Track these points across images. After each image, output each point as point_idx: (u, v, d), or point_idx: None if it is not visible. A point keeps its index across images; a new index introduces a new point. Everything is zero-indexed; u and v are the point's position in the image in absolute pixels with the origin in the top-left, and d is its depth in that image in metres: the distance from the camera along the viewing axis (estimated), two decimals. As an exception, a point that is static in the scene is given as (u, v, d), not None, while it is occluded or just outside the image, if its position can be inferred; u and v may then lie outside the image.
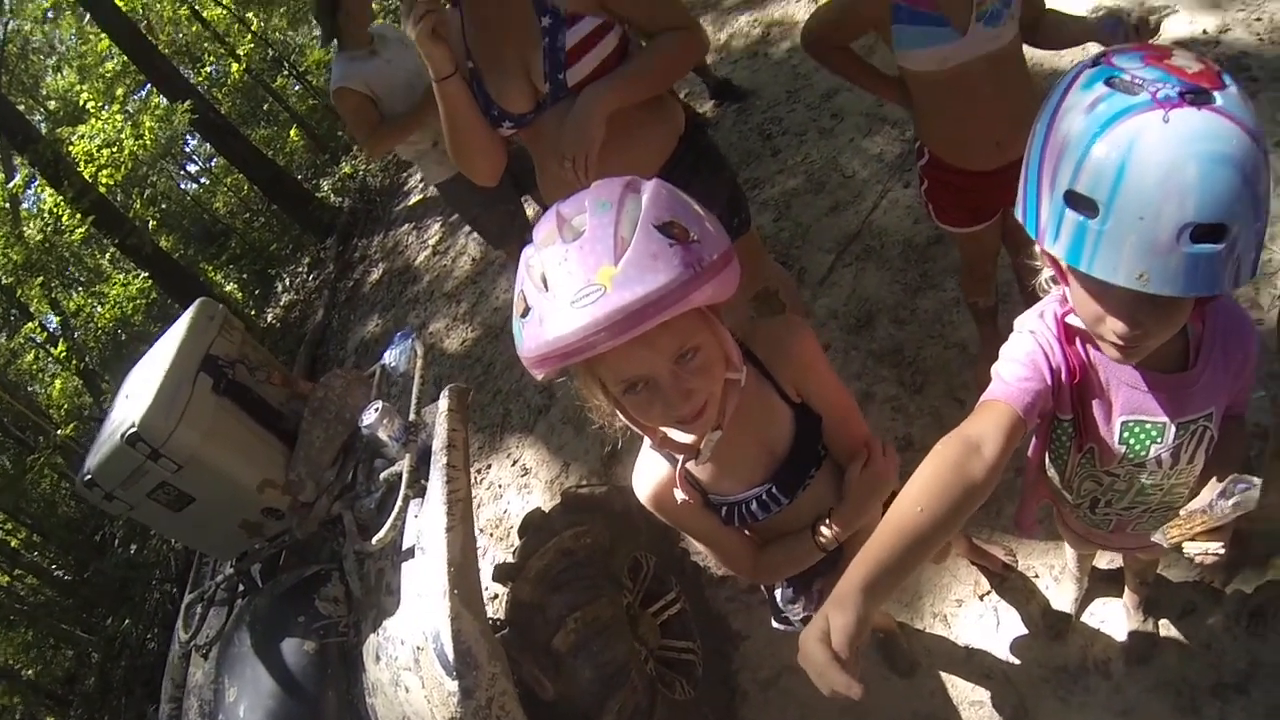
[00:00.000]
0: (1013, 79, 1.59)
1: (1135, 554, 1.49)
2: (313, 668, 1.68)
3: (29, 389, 9.90)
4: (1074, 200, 0.72)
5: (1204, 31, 3.30)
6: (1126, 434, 0.99)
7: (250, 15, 10.31)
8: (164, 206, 10.54)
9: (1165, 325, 0.81)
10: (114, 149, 7.13)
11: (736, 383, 0.93)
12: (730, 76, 4.44)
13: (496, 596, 2.32)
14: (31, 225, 8.18)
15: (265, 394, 1.99)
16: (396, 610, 1.59)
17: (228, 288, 9.99)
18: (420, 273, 5.72)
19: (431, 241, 5.95)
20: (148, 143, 7.25)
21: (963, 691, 1.88)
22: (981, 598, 1.99)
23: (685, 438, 0.97)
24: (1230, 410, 1.01)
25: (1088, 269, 0.73)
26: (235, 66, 10.06)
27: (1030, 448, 1.18)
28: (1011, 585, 1.96)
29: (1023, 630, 1.89)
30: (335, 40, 2.82)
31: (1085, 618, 1.84)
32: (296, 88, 10.84)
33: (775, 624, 1.41)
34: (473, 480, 2.98)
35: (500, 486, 3.43)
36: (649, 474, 1.09)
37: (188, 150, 11.64)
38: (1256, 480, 0.83)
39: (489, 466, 3.57)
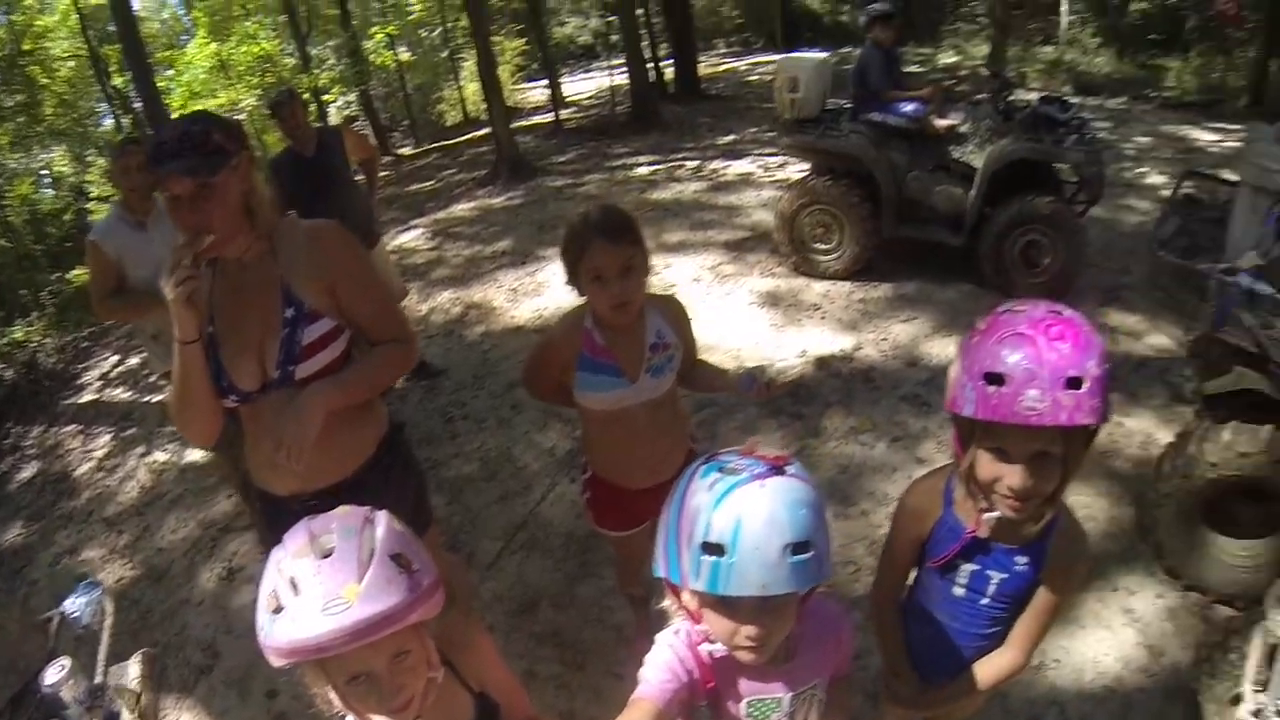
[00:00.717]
0: (668, 417, 1.97)
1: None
2: None
3: None
4: (708, 548, 1.01)
5: (841, 350, 4.38)
6: (753, 709, 1.25)
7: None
8: None
9: (782, 622, 1.10)
10: None
11: (435, 680, 1.07)
12: (424, 352, 4.64)
13: None
14: None
15: None
16: None
17: None
18: (80, 486, 4.67)
19: (98, 454, 4.97)
20: None
21: None
22: None
23: None
24: (835, 675, 1.33)
25: (724, 591, 1.00)
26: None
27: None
28: None
29: None
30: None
31: None
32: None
33: None
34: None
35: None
36: None
37: None
38: None
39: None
